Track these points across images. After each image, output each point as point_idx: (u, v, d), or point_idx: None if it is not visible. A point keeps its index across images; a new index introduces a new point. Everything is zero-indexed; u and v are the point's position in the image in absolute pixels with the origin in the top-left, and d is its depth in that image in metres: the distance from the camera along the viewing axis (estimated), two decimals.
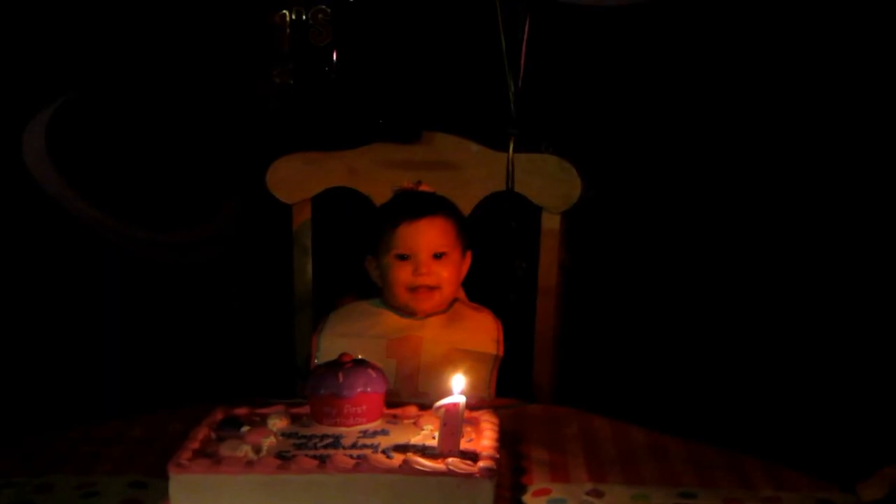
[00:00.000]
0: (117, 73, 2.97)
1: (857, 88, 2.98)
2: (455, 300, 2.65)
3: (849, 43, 2.95)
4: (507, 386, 2.59)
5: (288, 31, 2.90)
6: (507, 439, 2.07)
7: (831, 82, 2.99)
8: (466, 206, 2.87)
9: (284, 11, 2.88)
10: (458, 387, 1.95)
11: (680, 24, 2.94)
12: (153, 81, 3.00)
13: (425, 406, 2.08)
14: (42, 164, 2.88)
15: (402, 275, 2.58)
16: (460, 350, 2.55)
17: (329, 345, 2.57)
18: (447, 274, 2.59)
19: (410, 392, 2.51)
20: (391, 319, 2.62)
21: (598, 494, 1.93)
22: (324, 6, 2.90)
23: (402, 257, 2.59)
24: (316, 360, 2.55)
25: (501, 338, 2.61)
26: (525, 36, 2.82)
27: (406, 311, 2.60)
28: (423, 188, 2.69)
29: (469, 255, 2.67)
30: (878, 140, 2.99)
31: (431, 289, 2.58)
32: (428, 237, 2.59)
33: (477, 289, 2.82)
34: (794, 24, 2.94)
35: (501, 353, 2.58)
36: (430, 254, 2.58)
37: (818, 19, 2.92)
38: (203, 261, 3.12)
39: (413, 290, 2.58)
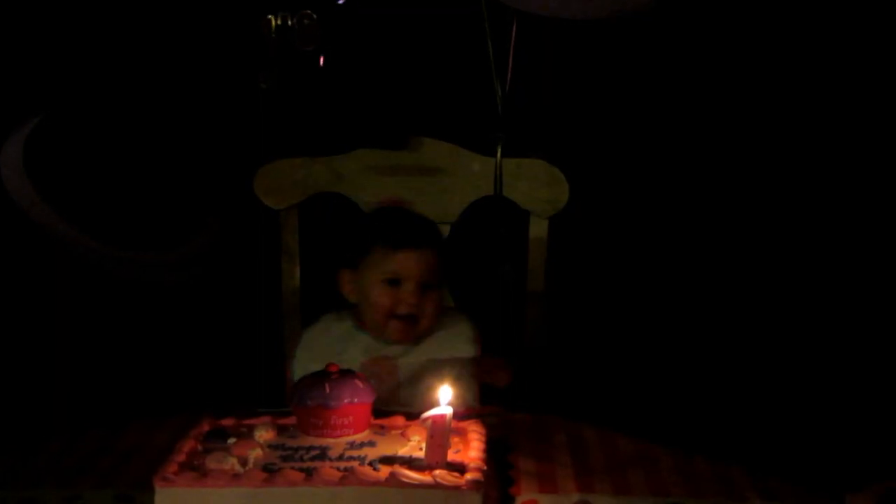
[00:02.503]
0: (98, 85, 2.95)
1: (846, 94, 2.98)
2: None
3: (838, 48, 2.95)
4: (494, 393, 2.58)
5: (274, 36, 2.88)
6: (495, 448, 2.05)
7: (823, 87, 2.99)
8: (454, 211, 2.87)
9: (270, 17, 2.86)
10: (445, 398, 1.93)
11: (669, 31, 2.94)
12: (136, 93, 2.99)
13: (412, 416, 2.07)
14: (18, 179, 2.86)
15: (387, 300, 2.53)
16: (438, 360, 2.53)
17: (303, 370, 2.54)
18: (430, 308, 2.55)
19: (392, 406, 2.50)
20: (364, 341, 2.58)
21: None
22: (309, 11, 2.88)
23: (392, 283, 2.53)
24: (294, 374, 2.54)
25: (478, 337, 2.58)
26: (512, 40, 2.81)
27: (380, 337, 2.57)
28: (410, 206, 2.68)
29: None
30: (861, 144, 2.99)
31: (412, 320, 2.54)
32: (422, 267, 2.53)
33: (464, 295, 2.82)
34: (785, 32, 2.94)
35: (479, 353, 2.56)
36: (420, 284, 2.54)
37: (809, 26, 2.92)
38: (185, 279, 3.10)
39: (393, 317, 2.54)
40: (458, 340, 2.58)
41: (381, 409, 2.14)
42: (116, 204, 2.92)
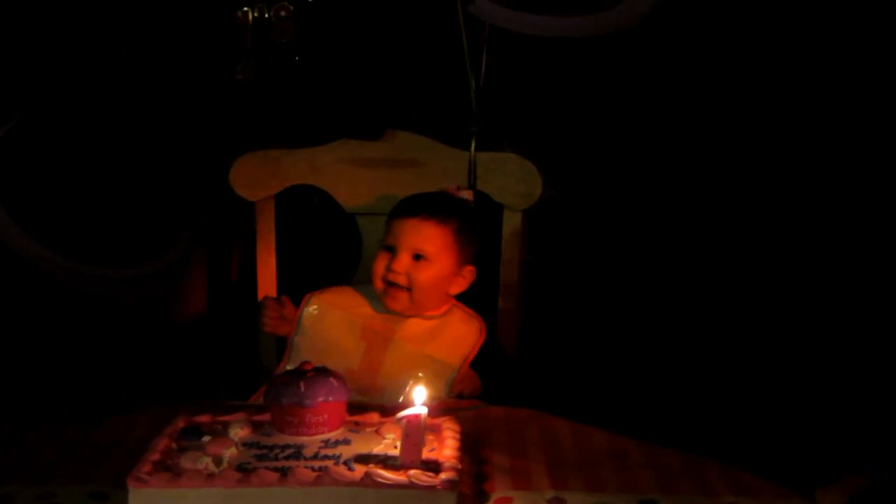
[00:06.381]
0: (66, 94, 2.92)
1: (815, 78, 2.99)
2: (452, 307, 2.68)
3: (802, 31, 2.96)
4: None
5: (250, 28, 2.88)
6: (469, 443, 2.06)
7: (795, 77, 2.99)
8: None
9: (246, 9, 2.86)
10: (419, 398, 1.94)
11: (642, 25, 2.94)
12: (108, 92, 2.97)
13: (387, 412, 2.08)
14: None
15: (380, 265, 2.62)
16: (427, 356, 2.56)
17: (315, 307, 2.67)
18: (422, 278, 2.60)
19: (371, 382, 2.55)
20: (377, 306, 2.66)
21: (559, 503, 1.93)
22: (286, 2, 2.88)
23: (387, 248, 2.63)
24: (301, 316, 2.66)
25: (473, 353, 2.61)
26: (486, 34, 2.81)
27: (383, 303, 2.64)
28: (459, 193, 2.73)
29: (470, 269, 2.67)
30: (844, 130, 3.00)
31: (401, 288, 2.60)
32: (411, 236, 2.61)
33: None
34: (756, 24, 2.95)
35: (465, 364, 2.59)
36: (410, 253, 2.60)
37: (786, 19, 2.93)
38: (157, 295, 3.08)
39: (386, 283, 2.61)
40: (455, 349, 2.61)
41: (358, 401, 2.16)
42: (88, 220, 2.91)
